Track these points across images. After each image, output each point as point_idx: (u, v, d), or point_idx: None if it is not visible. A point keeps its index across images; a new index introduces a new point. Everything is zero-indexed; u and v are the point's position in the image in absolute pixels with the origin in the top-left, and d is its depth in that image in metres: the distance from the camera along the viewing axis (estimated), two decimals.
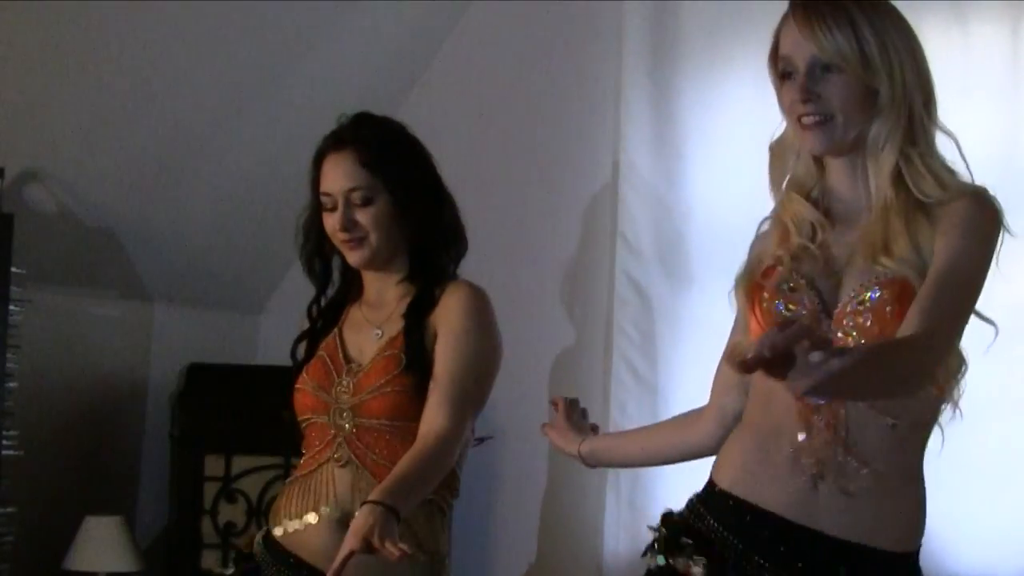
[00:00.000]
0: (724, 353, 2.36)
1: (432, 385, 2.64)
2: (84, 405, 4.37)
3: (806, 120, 2.17)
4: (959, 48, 3.70)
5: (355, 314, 2.77)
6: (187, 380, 4.36)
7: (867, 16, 2.16)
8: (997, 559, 3.60)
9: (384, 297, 2.75)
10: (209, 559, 4.26)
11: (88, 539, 4.10)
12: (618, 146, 4.24)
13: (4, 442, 3.76)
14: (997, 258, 2.23)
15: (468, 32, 4.63)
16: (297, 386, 2.73)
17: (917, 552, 2.22)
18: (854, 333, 2.12)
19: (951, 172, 2.23)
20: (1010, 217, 3.65)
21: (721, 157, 3.98)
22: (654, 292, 4.14)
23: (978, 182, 3.84)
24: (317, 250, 2.77)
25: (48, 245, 4.08)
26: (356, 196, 2.67)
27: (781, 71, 2.21)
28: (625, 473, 4.12)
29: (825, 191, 2.26)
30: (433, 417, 2.61)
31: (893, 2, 3.80)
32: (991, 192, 2.24)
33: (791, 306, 2.17)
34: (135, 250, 4.36)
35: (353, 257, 2.71)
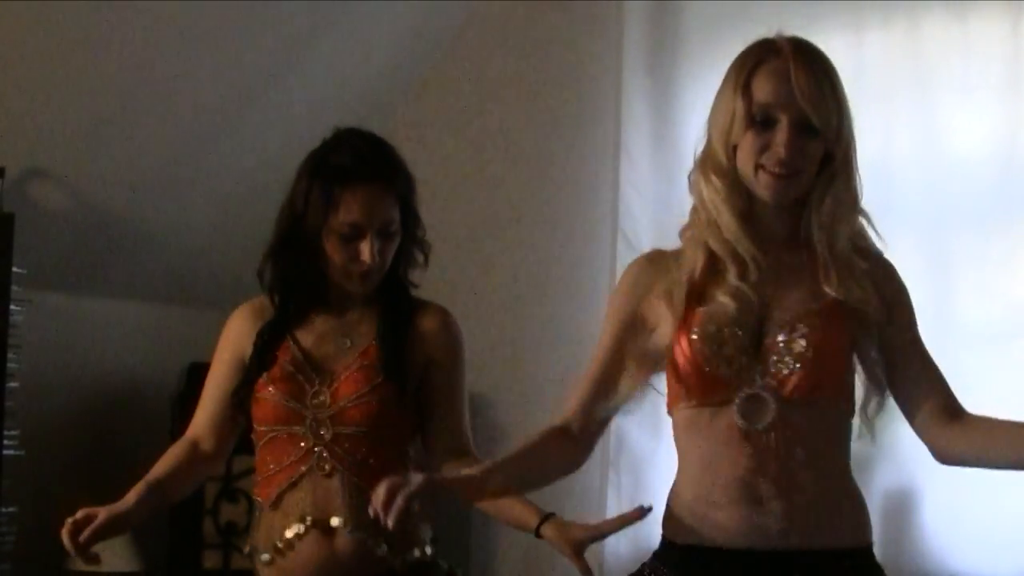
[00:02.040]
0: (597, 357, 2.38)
1: (441, 424, 2.72)
2: (85, 405, 4.37)
3: (777, 171, 2.21)
4: (959, 48, 3.71)
5: (315, 319, 2.74)
6: (187, 380, 4.35)
7: (838, 83, 2.25)
8: (997, 559, 3.60)
9: (348, 305, 2.74)
10: (210, 559, 4.26)
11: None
12: (618, 146, 4.24)
13: (5, 442, 3.75)
14: None
15: (468, 32, 4.63)
16: (260, 395, 2.69)
17: (871, 547, 2.26)
18: (782, 364, 2.20)
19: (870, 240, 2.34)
20: (1010, 217, 3.68)
21: None
22: None
23: (978, 182, 3.86)
24: (295, 270, 2.71)
25: (49, 245, 4.08)
26: (388, 229, 2.67)
27: (758, 118, 2.22)
28: (626, 473, 4.13)
29: (750, 215, 2.30)
30: (463, 449, 2.71)
31: (898, 4, 3.83)
32: None
33: (723, 347, 2.22)
34: (135, 250, 4.36)
35: (364, 286, 2.69)
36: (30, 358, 3.89)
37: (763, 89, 2.22)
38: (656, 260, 2.35)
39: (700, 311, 2.23)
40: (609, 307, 2.38)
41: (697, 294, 2.26)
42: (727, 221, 2.24)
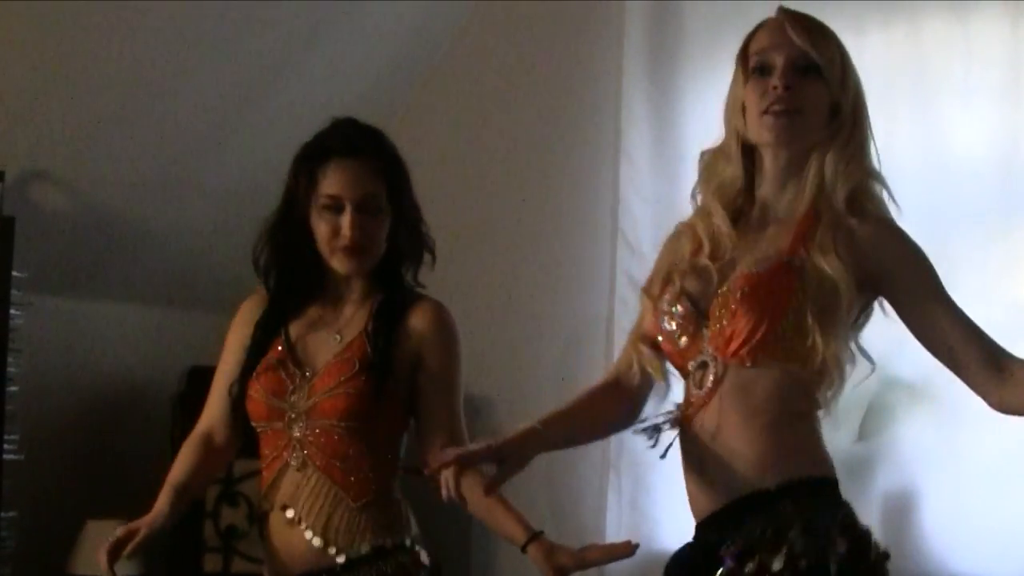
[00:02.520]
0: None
1: (433, 421, 2.71)
2: (85, 408, 4.37)
3: (776, 108, 2.24)
4: (959, 49, 3.71)
5: (311, 313, 2.76)
6: (188, 382, 4.35)
7: (841, 45, 2.31)
8: (997, 559, 3.60)
9: (345, 299, 2.75)
10: (211, 562, 4.26)
11: (89, 543, 4.10)
12: (618, 146, 4.24)
13: (5, 446, 3.76)
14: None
15: (468, 32, 4.63)
16: (250, 394, 2.72)
17: (802, 482, 2.23)
18: (721, 324, 2.23)
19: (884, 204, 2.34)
20: (1010, 218, 3.67)
21: None
22: None
23: (979, 183, 3.85)
24: (287, 253, 2.74)
25: (49, 248, 4.08)
26: (369, 204, 2.67)
27: (755, 66, 2.27)
28: (627, 473, 4.12)
29: (745, 196, 2.35)
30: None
31: (899, 5, 3.83)
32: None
33: (672, 322, 2.30)
34: (135, 252, 4.36)
35: (348, 264, 2.69)
36: (30, 361, 3.90)
37: (758, 43, 2.30)
38: (673, 240, 2.43)
39: (667, 289, 2.32)
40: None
41: (677, 274, 2.33)
42: (709, 194, 2.34)
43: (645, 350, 2.39)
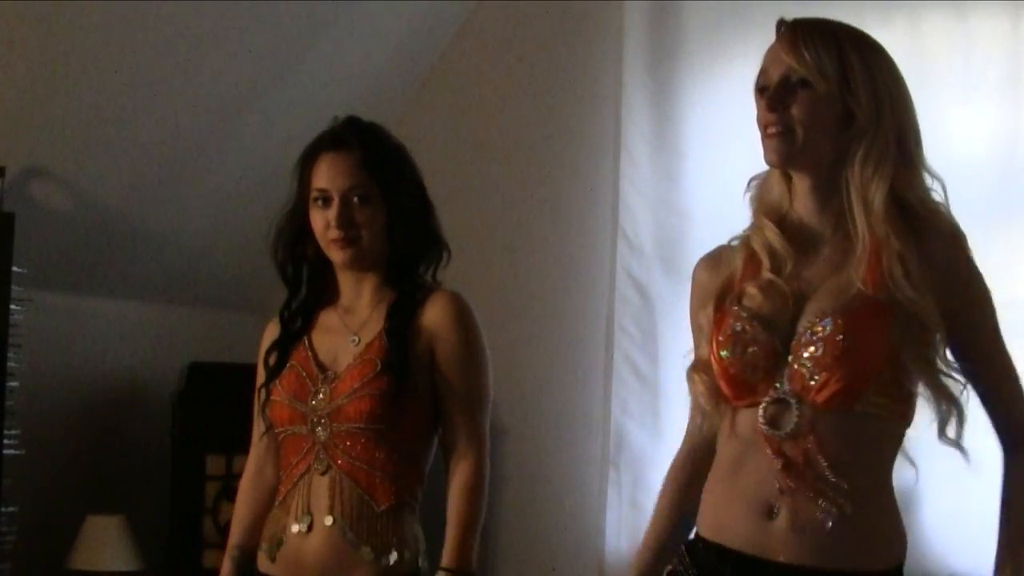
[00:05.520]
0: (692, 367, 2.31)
1: (451, 412, 2.66)
2: (85, 404, 4.37)
3: (770, 130, 2.19)
4: (959, 48, 3.71)
5: (329, 318, 2.76)
6: (187, 379, 4.36)
7: (856, 46, 2.18)
8: None
9: (359, 302, 2.74)
10: (210, 558, 4.25)
11: (89, 538, 4.11)
12: (618, 145, 4.25)
13: (5, 441, 3.75)
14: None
15: (469, 32, 4.63)
16: (273, 398, 2.71)
17: (894, 570, 2.18)
18: (808, 365, 2.12)
19: (947, 214, 2.22)
20: (1010, 216, 3.67)
21: (721, 156, 3.98)
22: (655, 290, 4.15)
23: (978, 181, 3.86)
24: (294, 250, 2.76)
25: (49, 244, 4.08)
26: (355, 195, 2.67)
27: (759, 86, 2.23)
28: (626, 472, 4.13)
29: (787, 219, 2.26)
30: (464, 450, 2.66)
31: (898, 3, 3.83)
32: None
33: (749, 348, 2.17)
34: (135, 249, 4.37)
35: (341, 255, 2.69)
36: (30, 358, 3.89)
37: (761, 64, 2.24)
38: (712, 262, 2.33)
39: (732, 310, 2.19)
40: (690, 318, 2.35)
41: (731, 294, 2.22)
42: (757, 217, 2.24)
43: (704, 381, 2.23)
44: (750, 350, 2.15)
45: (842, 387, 2.09)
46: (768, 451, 2.13)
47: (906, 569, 2.22)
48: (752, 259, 2.23)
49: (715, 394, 2.21)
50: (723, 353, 2.18)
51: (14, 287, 3.79)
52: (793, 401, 2.12)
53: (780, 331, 2.15)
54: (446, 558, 2.60)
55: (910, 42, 3.76)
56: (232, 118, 4.29)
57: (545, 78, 4.49)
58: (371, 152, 2.70)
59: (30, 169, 3.97)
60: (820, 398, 2.10)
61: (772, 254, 2.20)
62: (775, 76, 2.19)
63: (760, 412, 2.14)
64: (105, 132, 4.04)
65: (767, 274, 2.19)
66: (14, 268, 3.79)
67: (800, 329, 2.14)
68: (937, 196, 2.21)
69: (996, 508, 3.51)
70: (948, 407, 2.14)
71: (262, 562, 2.71)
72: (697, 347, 2.30)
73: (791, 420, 2.11)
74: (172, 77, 4.06)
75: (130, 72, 3.97)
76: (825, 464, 2.10)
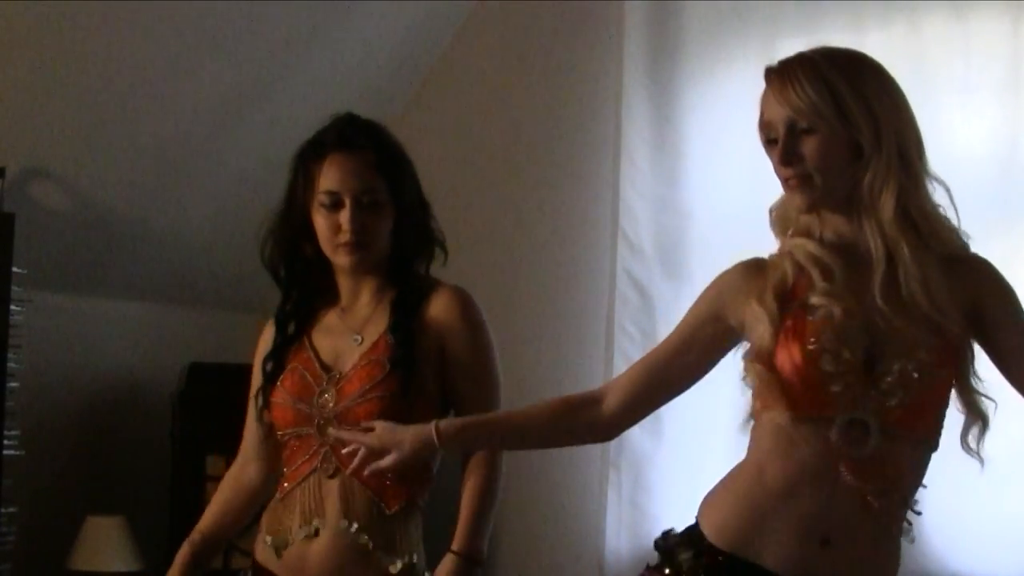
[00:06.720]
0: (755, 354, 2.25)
1: (465, 406, 2.63)
2: (85, 405, 4.37)
3: (791, 182, 2.21)
4: (959, 48, 3.71)
5: (328, 318, 2.72)
6: (187, 379, 4.36)
7: (842, 72, 2.18)
8: (997, 559, 3.60)
9: (359, 301, 2.71)
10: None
11: (89, 539, 4.11)
12: (618, 146, 4.24)
13: (5, 442, 3.76)
14: None
15: (468, 33, 4.63)
16: (273, 400, 2.68)
17: None
18: (898, 391, 2.13)
19: (952, 228, 2.24)
20: (1010, 217, 3.67)
21: (721, 157, 3.99)
22: (655, 290, 4.15)
23: (978, 182, 3.86)
24: (291, 249, 2.71)
25: (49, 245, 4.08)
26: (367, 198, 2.63)
27: (766, 138, 2.24)
28: (627, 472, 4.12)
29: (822, 238, 2.26)
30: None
31: (898, 3, 3.83)
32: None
33: (838, 359, 2.15)
34: (135, 249, 4.37)
35: (350, 260, 2.65)
36: (30, 358, 3.90)
37: (764, 112, 2.23)
38: (752, 266, 2.31)
39: (812, 321, 2.16)
40: (692, 305, 2.33)
41: (793, 302, 2.20)
42: (788, 240, 2.25)
43: (762, 375, 2.20)
44: (841, 366, 2.14)
45: (916, 417, 2.13)
46: (833, 471, 2.13)
47: (906, 569, 2.22)
48: (803, 271, 2.22)
49: (770, 394, 2.18)
50: (812, 363, 2.15)
51: (14, 287, 3.80)
52: (873, 423, 2.13)
53: (861, 350, 2.15)
54: (457, 542, 2.58)
55: (910, 43, 3.76)
56: (232, 118, 4.29)
57: (545, 78, 4.49)
58: (382, 154, 2.66)
59: (30, 169, 3.97)
60: (895, 424, 2.13)
61: (822, 267, 2.20)
62: (780, 128, 2.20)
63: (836, 428, 2.13)
64: (105, 132, 4.04)
65: (820, 282, 2.18)
66: (14, 268, 3.79)
67: (887, 355, 2.14)
68: (942, 208, 2.24)
69: (998, 508, 3.54)
70: (980, 420, 2.22)
71: (266, 556, 2.68)
72: (694, 330, 2.29)
73: (871, 441, 2.12)
74: (172, 77, 4.07)
75: (130, 72, 3.97)
76: (880, 487, 2.13)
